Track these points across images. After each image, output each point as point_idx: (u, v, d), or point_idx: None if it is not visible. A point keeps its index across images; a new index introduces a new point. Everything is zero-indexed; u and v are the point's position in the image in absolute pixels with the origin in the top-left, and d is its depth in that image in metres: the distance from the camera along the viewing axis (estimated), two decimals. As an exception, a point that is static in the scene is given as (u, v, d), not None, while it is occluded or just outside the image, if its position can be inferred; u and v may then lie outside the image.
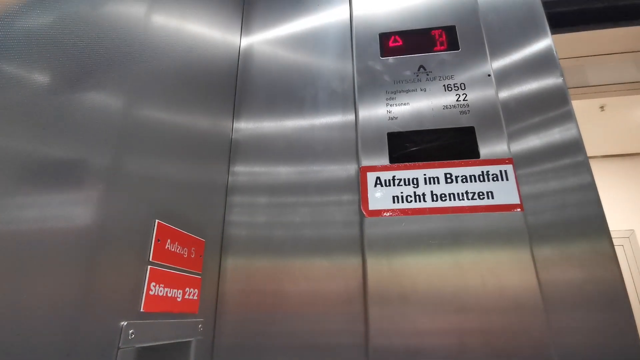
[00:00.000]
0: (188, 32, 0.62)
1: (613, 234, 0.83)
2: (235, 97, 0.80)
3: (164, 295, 0.47)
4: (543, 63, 0.69)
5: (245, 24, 0.88)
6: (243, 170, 0.73)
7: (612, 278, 0.55)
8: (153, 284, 0.45)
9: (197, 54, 0.65)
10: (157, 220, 0.47)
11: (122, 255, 0.42)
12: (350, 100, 0.73)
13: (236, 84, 0.81)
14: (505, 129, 0.64)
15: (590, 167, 0.61)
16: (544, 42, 0.71)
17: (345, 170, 0.68)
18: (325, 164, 0.70)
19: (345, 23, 0.80)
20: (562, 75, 0.67)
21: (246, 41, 0.86)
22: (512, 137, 0.64)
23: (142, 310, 0.43)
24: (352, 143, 0.70)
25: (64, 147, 0.35)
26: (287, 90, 0.78)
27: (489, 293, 0.55)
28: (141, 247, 0.45)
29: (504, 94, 0.68)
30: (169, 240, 0.49)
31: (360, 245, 0.62)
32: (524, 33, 0.72)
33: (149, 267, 0.45)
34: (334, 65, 0.78)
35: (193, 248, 0.54)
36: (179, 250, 0.51)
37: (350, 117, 0.72)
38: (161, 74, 0.53)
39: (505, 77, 0.69)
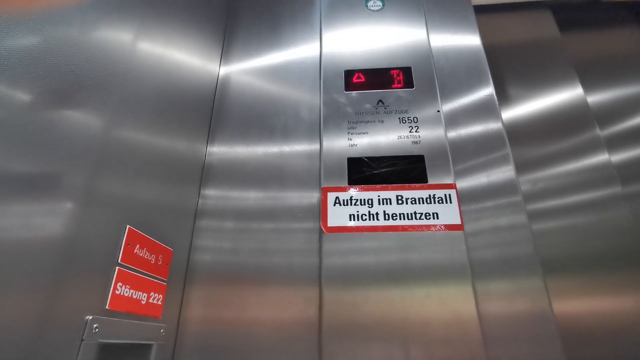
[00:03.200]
0: (171, 59, 0.69)
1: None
2: (211, 121, 0.86)
3: (129, 296, 0.50)
4: (485, 108, 0.79)
5: (225, 54, 0.96)
6: (213, 194, 0.78)
7: (543, 313, 0.61)
8: (120, 284, 0.48)
9: (178, 79, 0.71)
10: (128, 226, 0.51)
11: (94, 257, 0.46)
12: (316, 128, 0.81)
13: (212, 110, 0.87)
14: (451, 159, 0.72)
15: (525, 207, 0.69)
16: (487, 90, 0.81)
17: (309, 197, 0.74)
18: (291, 191, 0.75)
19: (315, 59, 0.89)
20: (502, 121, 0.77)
21: (225, 70, 0.93)
22: (457, 173, 0.72)
23: (107, 307, 0.46)
24: (316, 170, 0.76)
25: (42, 161, 0.40)
26: (259, 117, 0.85)
27: (432, 317, 0.60)
28: (112, 250, 0.48)
29: (451, 130, 0.77)
30: (138, 245, 0.52)
31: (318, 271, 0.66)
32: (470, 79, 0.83)
33: (117, 268, 0.48)
34: (303, 96, 0.86)
35: (160, 255, 0.58)
36: (147, 256, 0.55)
37: (316, 144, 0.79)
38: (142, 96, 0.58)
39: (452, 116, 0.78)
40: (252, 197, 0.76)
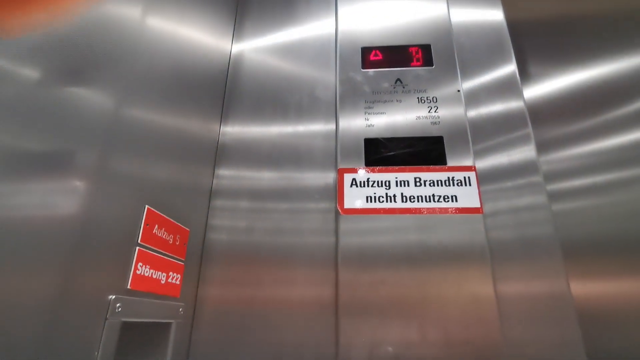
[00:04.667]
0: (182, 36, 0.67)
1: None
2: (224, 101, 0.84)
3: (149, 275, 0.50)
4: (507, 87, 0.76)
5: (237, 32, 0.93)
6: (227, 174, 0.77)
7: (562, 295, 0.61)
8: (140, 264, 0.48)
9: (190, 57, 0.69)
10: (147, 206, 0.51)
11: (114, 236, 0.45)
12: (332, 107, 0.79)
13: (225, 89, 0.86)
14: (471, 140, 0.70)
15: (545, 187, 0.67)
16: (509, 68, 0.78)
17: (325, 178, 0.73)
18: (306, 171, 0.75)
19: (331, 35, 0.87)
20: (523, 100, 0.74)
21: (237, 48, 0.91)
22: (476, 153, 0.70)
23: (129, 287, 0.46)
24: (332, 151, 0.75)
25: (55, 140, 0.39)
26: (273, 96, 0.83)
27: (450, 298, 0.60)
28: (131, 230, 0.48)
29: (471, 109, 0.74)
30: (156, 226, 0.52)
31: (335, 251, 0.66)
32: (491, 57, 0.80)
33: (137, 248, 0.48)
34: (319, 74, 0.83)
35: (178, 235, 0.58)
36: (165, 236, 0.54)
37: (332, 123, 0.77)
38: (154, 74, 0.57)
39: (472, 95, 0.76)
40: (266, 177, 0.75)
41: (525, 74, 1.04)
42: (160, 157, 0.57)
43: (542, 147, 0.89)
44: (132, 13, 0.53)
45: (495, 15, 0.85)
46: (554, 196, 0.84)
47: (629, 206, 0.84)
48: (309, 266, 0.67)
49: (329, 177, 0.73)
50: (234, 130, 0.81)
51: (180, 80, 0.65)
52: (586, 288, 0.78)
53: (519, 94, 0.75)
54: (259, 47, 0.91)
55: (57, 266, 0.38)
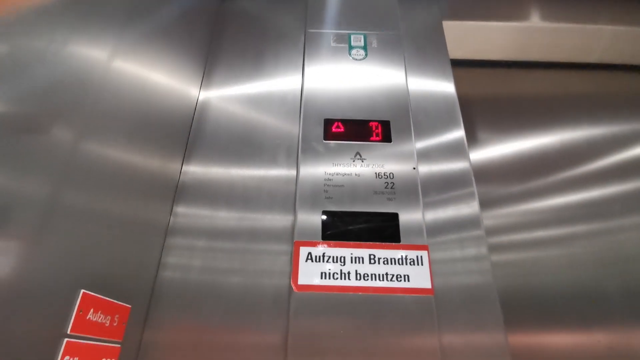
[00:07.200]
0: (150, 80, 0.67)
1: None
2: (188, 142, 0.85)
3: (77, 368, 0.46)
4: (456, 150, 0.83)
5: (206, 80, 0.95)
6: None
7: (498, 342, 0.63)
8: (67, 357, 0.44)
9: (156, 100, 0.70)
10: (82, 291, 0.47)
11: (38, 326, 0.41)
12: (293, 166, 0.81)
13: (190, 131, 0.86)
14: (423, 215, 0.73)
15: (486, 240, 0.72)
16: (458, 133, 0.86)
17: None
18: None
19: (296, 104, 0.89)
20: (469, 160, 0.81)
21: (205, 94, 0.92)
22: (427, 207, 0.75)
23: (50, 386, 0.42)
24: (290, 222, 0.74)
25: None
26: (238, 143, 0.84)
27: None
28: (61, 318, 0.44)
29: (423, 166, 0.80)
30: (91, 310, 0.48)
31: (286, 316, 0.64)
32: (443, 127, 0.87)
33: (65, 340, 0.44)
34: (282, 141, 0.85)
35: (117, 315, 0.54)
36: (101, 320, 0.50)
37: (293, 178, 0.79)
38: (116, 116, 0.56)
39: (425, 154, 0.82)
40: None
41: (474, 139, 1.14)
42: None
43: (487, 203, 0.97)
44: (97, 53, 0.52)
45: (449, 92, 0.92)
46: (495, 249, 0.93)
47: (563, 260, 0.92)
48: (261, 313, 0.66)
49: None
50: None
51: (144, 121, 0.65)
52: (521, 336, 0.82)
53: (465, 155, 0.82)
54: (225, 95, 0.93)
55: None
